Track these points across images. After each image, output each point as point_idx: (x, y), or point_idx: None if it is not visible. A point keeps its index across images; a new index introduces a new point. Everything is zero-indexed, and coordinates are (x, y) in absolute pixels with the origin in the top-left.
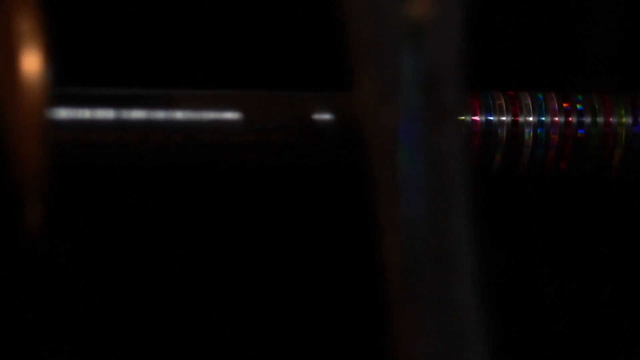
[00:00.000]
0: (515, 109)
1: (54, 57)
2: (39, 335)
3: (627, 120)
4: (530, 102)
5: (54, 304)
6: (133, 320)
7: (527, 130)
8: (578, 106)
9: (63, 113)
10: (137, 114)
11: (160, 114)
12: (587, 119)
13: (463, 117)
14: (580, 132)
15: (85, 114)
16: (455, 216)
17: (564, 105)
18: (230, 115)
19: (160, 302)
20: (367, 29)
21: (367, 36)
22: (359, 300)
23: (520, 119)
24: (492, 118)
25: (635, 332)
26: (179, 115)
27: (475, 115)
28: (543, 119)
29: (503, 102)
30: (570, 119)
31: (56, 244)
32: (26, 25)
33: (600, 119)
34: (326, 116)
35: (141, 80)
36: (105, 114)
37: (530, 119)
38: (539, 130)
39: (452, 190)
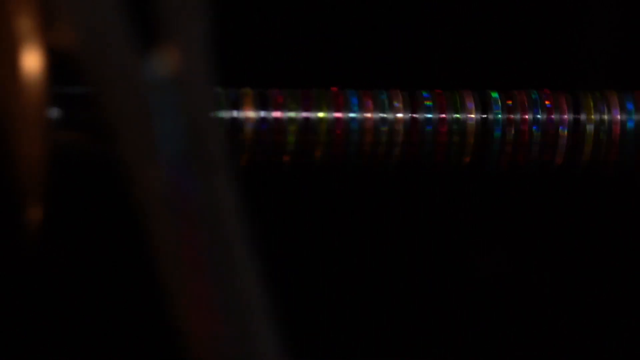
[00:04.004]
0: (512, 108)
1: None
2: (39, 335)
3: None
4: (526, 100)
5: (54, 304)
6: (133, 320)
7: (522, 128)
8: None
9: (62, 113)
10: None
11: None
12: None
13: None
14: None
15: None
16: (236, 267)
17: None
18: None
19: (160, 302)
20: (115, 93)
21: (117, 100)
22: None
23: (518, 117)
24: (489, 117)
25: (635, 332)
26: None
27: (470, 114)
28: (539, 116)
29: (501, 100)
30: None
31: (56, 244)
32: (26, 24)
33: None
34: None
35: None
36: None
37: (529, 117)
38: (534, 129)
39: (229, 239)
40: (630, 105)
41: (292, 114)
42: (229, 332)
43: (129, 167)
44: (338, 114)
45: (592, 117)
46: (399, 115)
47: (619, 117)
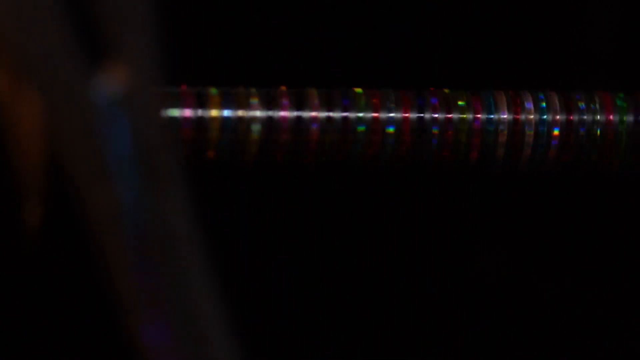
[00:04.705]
0: (516, 108)
1: None
2: (39, 335)
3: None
4: (531, 101)
5: (54, 304)
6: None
7: (527, 128)
8: (580, 105)
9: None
10: None
11: None
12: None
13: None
14: (582, 130)
15: None
16: (192, 284)
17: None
18: None
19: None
20: (64, 112)
21: (66, 120)
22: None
23: (522, 117)
24: (493, 117)
25: (635, 332)
26: None
27: (477, 114)
28: (545, 117)
29: (504, 100)
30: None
31: (56, 244)
32: None
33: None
34: None
35: None
36: None
37: (532, 117)
38: (540, 129)
39: (182, 255)
40: (626, 106)
41: (291, 114)
42: (185, 349)
43: (80, 186)
44: (338, 114)
45: (587, 117)
46: (400, 115)
47: (616, 117)
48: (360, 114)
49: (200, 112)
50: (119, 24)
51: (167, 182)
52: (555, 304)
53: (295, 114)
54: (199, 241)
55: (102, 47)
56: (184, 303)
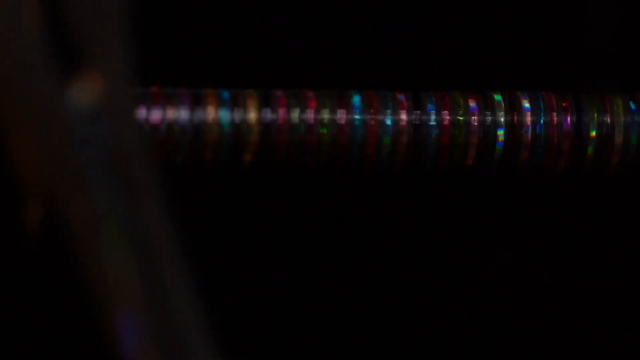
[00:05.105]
0: (514, 108)
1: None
2: (39, 335)
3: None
4: (529, 102)
5: (54, 304)
6: None
7: (525, 129)
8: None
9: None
10: None
11: None
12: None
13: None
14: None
15: None
16: (170, 290)
17: (563, 104)
18: None
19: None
20: (38, 122)
21: (41, 130)
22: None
23: (519, 118)
24: (492, 117)
25: (635, 332)
26: None
27: (473, 115)
28: (541, 118)
29: (502, 101)
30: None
31: (56, 244)
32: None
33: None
34: None
35: None
36: None
37: (529, 118)
38: (537, 130)
39: (162, 263)
40: (633, 107)
41: (294, 115)
42: (163, 355)
43: (56, 196)
44: (339, 115)
45: (595, 118)
46: (401, 116)
47: (621, 118)
48: (359, 116)
49: (197, 114)
50: (94, 30)
51: (144, 189)
52: (556, 305)
53: (296, 115)
54: (179, 246)
55: (77, 54)
56: (162, 308)
